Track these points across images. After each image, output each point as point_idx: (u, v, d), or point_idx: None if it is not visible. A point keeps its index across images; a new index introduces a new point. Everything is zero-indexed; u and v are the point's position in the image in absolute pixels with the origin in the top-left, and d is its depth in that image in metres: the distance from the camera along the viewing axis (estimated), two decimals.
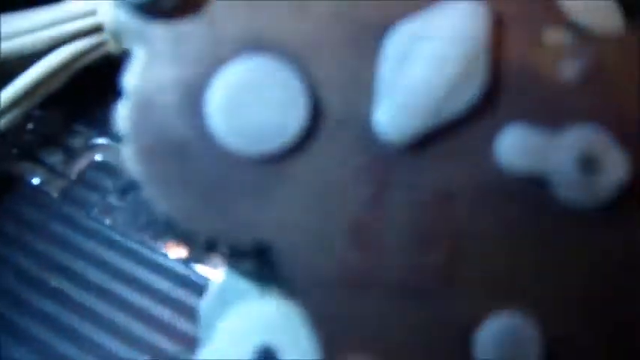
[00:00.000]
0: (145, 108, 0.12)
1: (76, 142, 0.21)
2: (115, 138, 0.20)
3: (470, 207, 0.12)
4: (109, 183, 0.20)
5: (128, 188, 0.19)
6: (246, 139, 0.11)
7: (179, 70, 0.12)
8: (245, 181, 0.11)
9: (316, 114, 0.12)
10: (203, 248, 0.12)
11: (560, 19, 0.12)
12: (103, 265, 0.18)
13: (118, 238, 0.19)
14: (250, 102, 0.11)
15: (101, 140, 0.21)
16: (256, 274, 0.12)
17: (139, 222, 0.19)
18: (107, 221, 0.19)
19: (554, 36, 0.12)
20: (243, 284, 0.13)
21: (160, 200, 0.11)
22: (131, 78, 0.12)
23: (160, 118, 0.12)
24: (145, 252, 0.18)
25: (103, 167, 0.20)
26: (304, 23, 0.12)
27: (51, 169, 0.20)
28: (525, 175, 0.12)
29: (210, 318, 0.13)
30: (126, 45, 0.12)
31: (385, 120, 0.12)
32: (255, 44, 0.12)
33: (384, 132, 0.12)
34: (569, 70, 0.12)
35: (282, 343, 0.11)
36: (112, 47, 0.19)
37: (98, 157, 0.20)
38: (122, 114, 0.12)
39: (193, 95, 0.12)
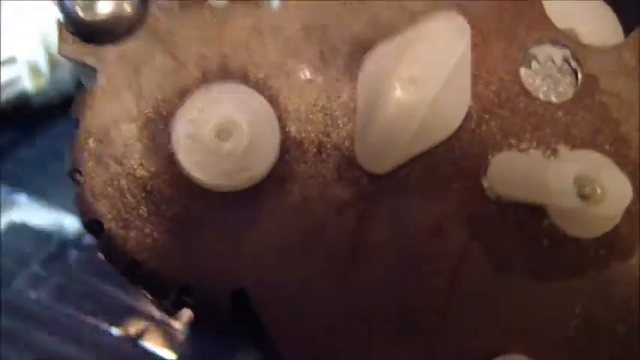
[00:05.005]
0: (102, 143, 0.11)
1: None
2: (36, 194, 0.19)
3: (462, 238, 0.12)
4: (31, 249, 0.18)
5: (57, 254, 0.18)
6: (217, 174, 0.11)
7: (139, 101, 0.11)
8: (217, 219, 0.11)
9: (291, 143, 0.12)
10: (174, 300, 0.11)
11: (550, 30, 0.12)
12: (28, 347, 0.17)
13: (47, 314, 0.17)
14: (218, 132, 0.11)
15: (18, 197, 0.19)
16: (229, 331, 0.12)
17: (73, 294, 0.17)
18: (32, 295, 0.18)
19: (544, 51, 0.12)
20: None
21: (126, 242, 0.11)
22: (84, 110, 0.11)
23: (120, 153, 0.11)
24: (83, 329, 0.17)
25: (22, 230, 0.19)
26: (271, 48, 0.12)
27: None
28: (520, 202, 0.12)
29: None
30: (72, 75, 0.12)
31: (365, 149, 0.11)
32: (220, 72, 0.12)
33: (364, 162, 0.12)
34: (562, 88, 0.12)
35: None
36: (27, 84, 0.19)
37: (16, 218, 0.19)
38: (76, 150, 0.11)
39: (156, 127, 0.11)
